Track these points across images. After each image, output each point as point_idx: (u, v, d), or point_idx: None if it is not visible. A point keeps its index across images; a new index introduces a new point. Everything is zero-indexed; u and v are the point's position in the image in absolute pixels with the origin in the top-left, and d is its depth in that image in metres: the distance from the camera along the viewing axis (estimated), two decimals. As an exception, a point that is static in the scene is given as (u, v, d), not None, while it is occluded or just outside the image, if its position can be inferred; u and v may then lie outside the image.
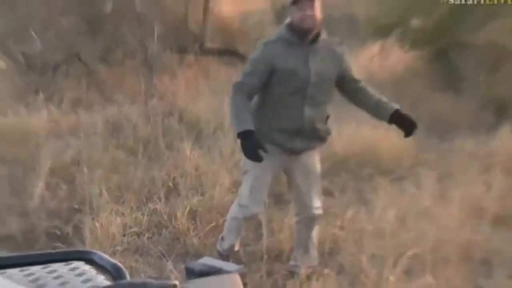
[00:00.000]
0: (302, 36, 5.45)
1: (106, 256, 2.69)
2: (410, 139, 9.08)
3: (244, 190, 5.85)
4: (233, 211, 6.00)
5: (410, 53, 13.16)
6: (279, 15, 21.81)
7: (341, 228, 6.65)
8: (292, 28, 5.51)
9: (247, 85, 5.52)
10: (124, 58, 14.57)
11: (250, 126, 5.37)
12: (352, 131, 9.32)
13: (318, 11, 5.41)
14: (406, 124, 5.77)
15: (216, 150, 8.96)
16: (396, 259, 5.67)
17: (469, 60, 12.00)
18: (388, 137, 9.00)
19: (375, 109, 5.91)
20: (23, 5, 15.02)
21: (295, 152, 5.71)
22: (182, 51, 15.56)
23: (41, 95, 11.75)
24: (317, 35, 5.49)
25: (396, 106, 5.76)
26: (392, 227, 6.39)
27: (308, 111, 5.52)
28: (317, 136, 5.75)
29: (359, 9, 18.21)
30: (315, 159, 5.95)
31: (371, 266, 5.68)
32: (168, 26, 15.20)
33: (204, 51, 16.00)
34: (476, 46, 12.14)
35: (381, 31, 13.36)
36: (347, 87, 5.84)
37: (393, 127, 9.34)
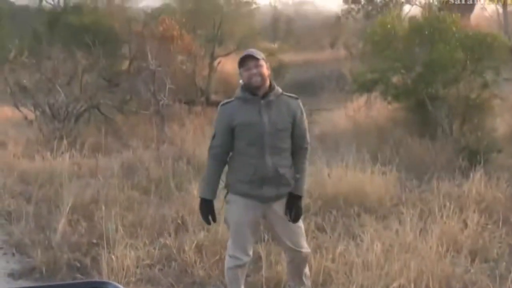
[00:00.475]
0: (253, 92, 5.41)
1: (121, 286, 2.62)
2: (392, 181, 9.13)
3: (230, 241, 5.75)
4: (226, 262, 5.82)
5: (392, 105, 13.17)
6: (276, 71, 22.08)
7: (333, 261, 6.56)
8: (244, 87, 5.47)
9: (214, 147, 5.54)
10: (138, 109, 14.56)
11: (208, 195, 5.64)
12: (340, 174, 9.26)
13: (264, 68, 5.40)
14: (294, 210, 5.55)
15: (220, 190, 8.91)
16: (383, 290, 5.58)
17: (443, 111, 12.01)
18: (373, 179, 8.99)
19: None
20: (49, 62, 15.11)
21: (266, 200, 5.52)
22: (190, 102, 15.64)
23: (64, 141, 11.76)
24: (268, 89, 5.43)
25: (300, 192, 5.63)
26: (378, 259, 6.32)
27: (269, 159, 5.37)
28: (283, 183, 5.51)
29: (346, 67, 18.36)
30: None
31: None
32: (177, 81, 15.28)
33: (209, 103, 16.08)
34: (449, 99, 12.16)
35: (366, 86, 13.36)
36: (293, 141, 5.56)
37: (378, 170, 9.44)
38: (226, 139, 5.46)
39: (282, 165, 5.45)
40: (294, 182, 5.53)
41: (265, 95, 5.40)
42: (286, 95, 5.58)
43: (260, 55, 5.47)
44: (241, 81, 5.57)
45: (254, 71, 5.32)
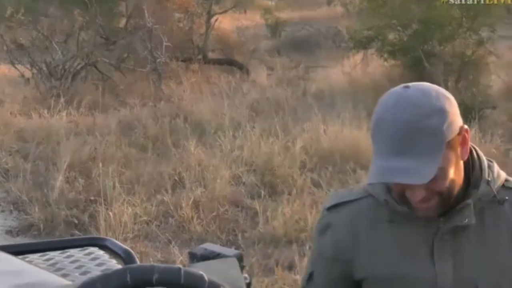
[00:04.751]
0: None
1: (118, 242, 2.62)
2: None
3: None
4: None
5: (388, 62, 13.11)
6: (272, 29, 21.96)
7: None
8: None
9: None
10: (135, 66, 14.48)
11: None
12: (336, 130, 9.24)
13: (449, 165, 1.86)
14: None
15: (217, 147, 8.93)
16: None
17: (439, 68, 11.94)
18: (368, 136, 8.91)
19: None
20: (46, 19, 14.98)
21: None
22: (187, 60, 15.53)
23: (61, 99, 11.67)
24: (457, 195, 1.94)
25: None
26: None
27: None
28: None
29: (342, 25, 18.25)
30: None
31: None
32: (174, 39, 15.16)
33: (206, 61, 15.98)
34: (445, 56, 12.10)
35: (362, 43, 13.30)
36: None
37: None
38: None
39: None
40: None
41: (448, 211, 1.93)
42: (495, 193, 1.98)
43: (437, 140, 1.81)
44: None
45: (423, 194, 1.84)
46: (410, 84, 1.87)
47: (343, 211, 2.03)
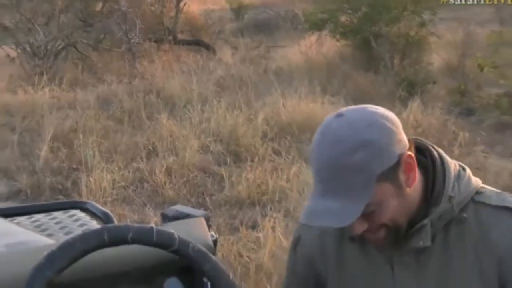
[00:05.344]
0: None
1: (98, 205, 2.62)
2: (339, 108, 9.09)
3: None
4: None
5: (340, 42, 13.13)
6: (236, 12, 21.82)
7: (287, 180, 6.63)
8: None
9: None
10: (111, 47, 14.34)
11: None
12: (294, 104, 9.25)
13: (386, 203, 1.58)
14: None
15: (186, 119, 8.91)
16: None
17: (385, 47, 12.00)
18: (323, 109, 8.99)
19: None
20: (28, 3, 14.73)
21: None
22: (158, 41, 15.40)
23: (44, 77, 11.58)
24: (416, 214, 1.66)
25: None
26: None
27: None
28: None
29: (299, 8, 18.17)
30: None
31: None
32: (147, 21, 15.06)
33: (176, 41, 15.83)
34: (391, 36, 12.14)
35: (317, 25, 13.29)
36: None
37: (327, 101, 9.42)
38: None
39: None
40: None
41: (406, 232, 1.66)
42: (489, 208, 1.65)
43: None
44: None
45: (364, 227, 1.61)
46: (344, 110, 1.58)
47: (314, 226, 1.74)
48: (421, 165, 1.64)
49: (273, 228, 5.19)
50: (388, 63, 11.73)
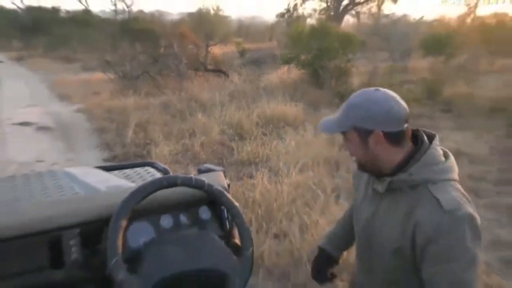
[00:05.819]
0: None
1: (161, 164, 2.58)
2: (300, 109, 9.06)
3: None
4: None
5: (301, 71, 13.02)
6: (240, 53, 21.61)
7: (270, 150, 6.58)
8: None
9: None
10: (169, 73, 14.21)
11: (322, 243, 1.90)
12: (274, 106, 9.17)
13: (353, 144, 1.50)
14: None
15: (212, 115, 8.84)
16: (295, 164, 5.59)
17: (327, 74, 11.89)
18: (291, 109, 8.92)
19: None
20: (121, 49, 14.60)
21: None
22: (196, 69, 15.23)
23: (130, 91, 11.58)
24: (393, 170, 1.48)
25: None
26: (293, 149, 6.34)
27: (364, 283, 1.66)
28: None
29: (277, 51, 17.99)
30: None
31: (284, 167, 5.60)
32: (189, 58, 14.86)
33: (206, 70, 15.64)
34: (330, 68, 12.05)
35: (287, 61, 13.18)
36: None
37: (293, 105, 9.36)
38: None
39: None
40: None
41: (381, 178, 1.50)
42: (428, 194, 1.40)
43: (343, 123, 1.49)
44: None
45: (348, 148, 1.53)
46: (381, 88, 1.47)
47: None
48: (417, 145, 1.47)
49: (262, 178, 5.16)
50: (328, 83, 11.64)
